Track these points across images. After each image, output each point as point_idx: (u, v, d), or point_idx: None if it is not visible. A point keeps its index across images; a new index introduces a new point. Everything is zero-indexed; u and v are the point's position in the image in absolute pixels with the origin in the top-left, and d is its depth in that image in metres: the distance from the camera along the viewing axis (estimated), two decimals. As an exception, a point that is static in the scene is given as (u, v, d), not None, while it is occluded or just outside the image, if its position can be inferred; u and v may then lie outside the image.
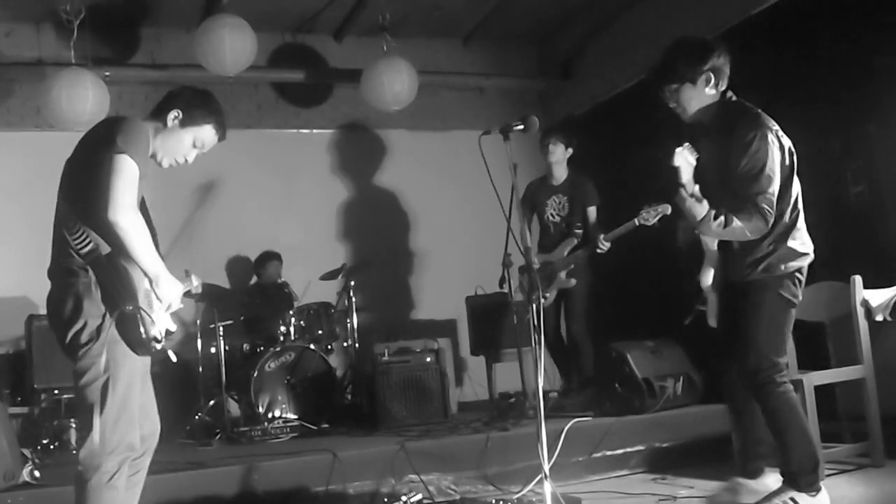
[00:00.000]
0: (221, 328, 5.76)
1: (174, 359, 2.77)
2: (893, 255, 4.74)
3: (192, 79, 6.15)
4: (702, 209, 3.22)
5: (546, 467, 3.17)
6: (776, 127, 3.33)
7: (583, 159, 5.94)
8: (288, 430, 5.30)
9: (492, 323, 6.22)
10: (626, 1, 6.85)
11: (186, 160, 3.03)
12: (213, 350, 5.84)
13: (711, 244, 3.43)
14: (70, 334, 2.69)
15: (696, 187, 3.24)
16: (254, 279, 6.88)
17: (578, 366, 5.69)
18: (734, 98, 3.43)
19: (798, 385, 3.98)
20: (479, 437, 4.54)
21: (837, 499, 3.44)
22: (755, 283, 3.34)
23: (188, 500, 3.87)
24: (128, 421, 2.70)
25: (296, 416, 5.60)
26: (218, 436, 5.35)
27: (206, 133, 3.01)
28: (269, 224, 7.06)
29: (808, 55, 5.14)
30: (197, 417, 5.70)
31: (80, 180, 2.73)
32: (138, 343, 2.64)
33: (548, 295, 5.56)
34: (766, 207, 3.22)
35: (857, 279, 4.27)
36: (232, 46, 6.12)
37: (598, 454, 4.62)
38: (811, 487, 3.30)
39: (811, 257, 3.39)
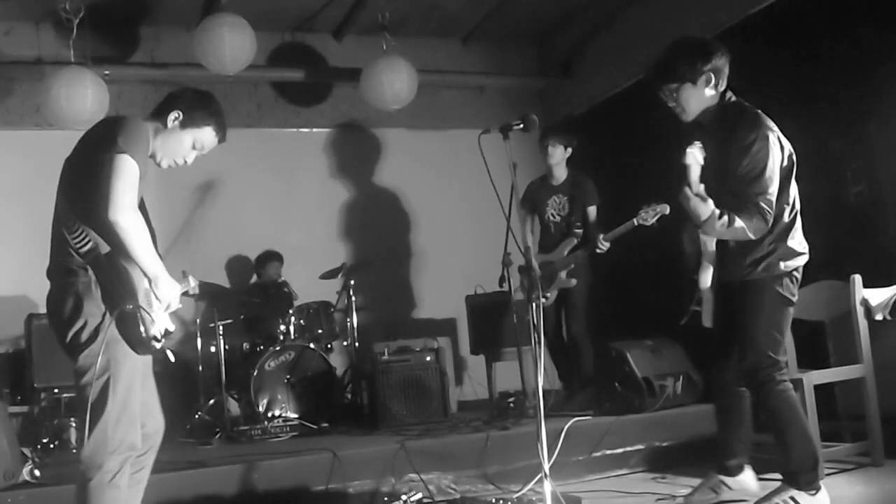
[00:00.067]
0: (221, 327, 5.76)
1: (173, 359, 2.78)
2: (893, 255, 4.74)
3: (191, 78, 6.18)
4: (706, 209, 3.22)
5: (546, 466, 3.18)
6: (776, 128, 3.34)
7: (582, 158, 5.94)
8: (288, 429, 5.30)
9: (492, 322, 6.22)
10: (627, 0, 6.85)
11: (185, 161, 3.03)
12: (212, 349, 5.84)
13: (710, 244, 3.43)
14: (70, 334, 2.69)
15: (702, 187, 3.25)
16: (254, 278, 6.88)
17: (578, 365, 5.69)
18: (734, 99, 3.44)
19: (798, 384, 3.99)
20: (479, 437, 4.55)
21: (837, 498, 3.44)
22: (754, 282, 3.35)
23: (188, 499, 3.87)
24: (129, 420, 2.70)
25: (296, 416, 5.60)
26: (218, 435, 5.35)
27: (206, 135, 3.01)
28: (269, 223, 7.06)
29: (808, 55, 5.14)
30: (197, 416, 5.70)
31: (81, 180, 2.73)
32: (138, 342, 2.64)
33: (549, 295, 5.56)
34: (767, 208, 3.23)
35: (857, 278, 4.27)
36: (231, 45, 6.12)
37: (598, 453, 4.63)
38: (811, 486, 3.31)
39: (807, 257, 3.41)
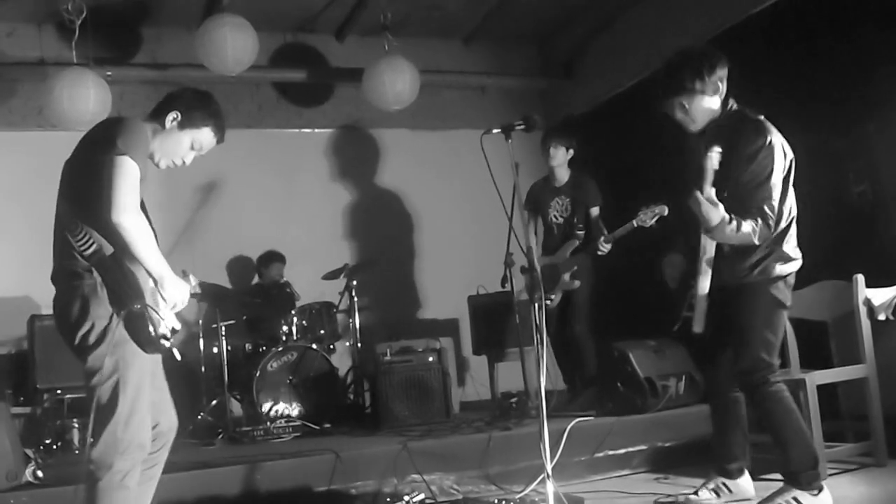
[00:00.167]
0: (224, 328, 5.77)
1: (179, 357, 2.78)
2: (895, 254, 4.74)
3: (193, 78, 6.18)
4: (718, 214, 3.22)
5: (548, 467, 3.18)
6: (779, 134, 3.36)
7: (584, 159, 5.94)
8: (290, 429, 5.31)
9: (494, 322, 6.22)
10: (627, 1, 6.85)
11: (184, 162, 3.03)
12: (215, 350, 5.84)
13: (710, 249, 3.42)
14: (78, 336, 2.69)
15: (713, 191, 3.25)
16: (255, 279, 6.89)
17: (581, 366, 5.69)
18: (736, 107, 3.45)
19: (800, 384, 3.99)
20: (482, 437, 4.54)
21: (840, 498, 3.44)
22: (750, 285, 3.37)
23: (191, 500, 3.87)
24: (139, 420, 2.71)
25: (298, 416, 5.60)
26: (220, 436, 5.35)
27: (205, 135, 3.01)
28: (271, 224, 7.06)
29: (808, 55, 5.14)
30: (199, 417, 5.71)
31: (82, 182, 2.73)
32: (147, 341, 2.65)
33: (553, 297, 5.56)
34: (771, 213, 3.26)
35: (860, 278, 4.27)
36: (233, 46, 6.12)
37: (601, 454, 4.62)
38: (812, 485, 3.32)
39: (800, 263, 3.44)
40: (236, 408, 5.97)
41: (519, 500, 3.92)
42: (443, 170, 7.58)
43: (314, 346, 5.88)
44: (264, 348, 5.91)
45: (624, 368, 5.05)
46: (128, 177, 2.63)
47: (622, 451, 4.68)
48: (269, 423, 5.37)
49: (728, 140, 3.31)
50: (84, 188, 2.70)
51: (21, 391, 5.59)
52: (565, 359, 5.81)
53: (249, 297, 6.46)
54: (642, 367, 5.01)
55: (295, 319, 6.03)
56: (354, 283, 6.27)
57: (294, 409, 5.67)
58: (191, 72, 6.50)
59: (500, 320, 6.07)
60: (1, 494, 3.73)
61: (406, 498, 3.96)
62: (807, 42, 5.17)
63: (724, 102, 3.44)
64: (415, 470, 4.23)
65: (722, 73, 3.38)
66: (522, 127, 3.48)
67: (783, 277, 3.38)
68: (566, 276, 5.59)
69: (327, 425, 5.55)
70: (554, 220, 5.83)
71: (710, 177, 3.26)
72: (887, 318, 4.34)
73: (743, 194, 3.28)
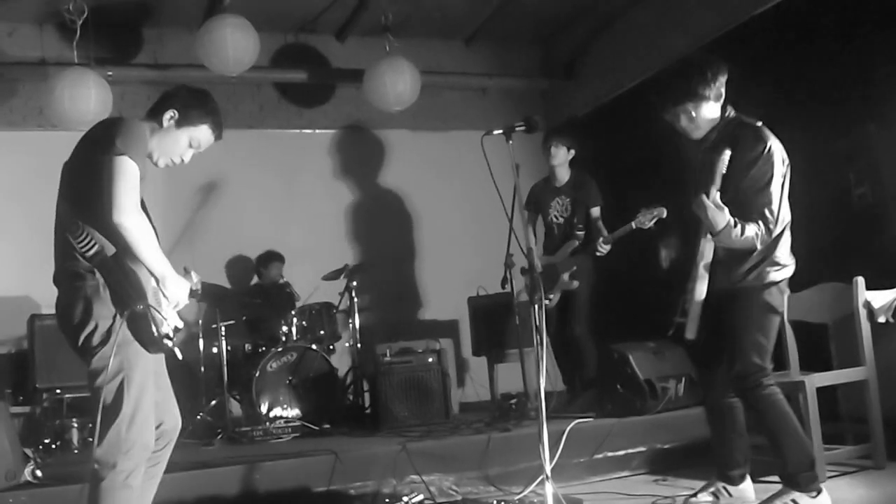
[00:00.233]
0: (223, 328, 5.77)
1: (180, 356, 2.79)
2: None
3: (194, 79, 6.16)
4: (723, 218, 3.24)
5: (548, 468, 3.18)
6: (776, 140, 3.37)
7: (585, 160, 5.94)
8: (290, 430, 5.30)
9: (494, 323, 6.22)
10: (629, 1, 6.85)
11: (182, 160, 3.03)
12: (214, 350, 5.84)
13: (708, 254, 3.42)
14: (82, 337, 2.69)
15: (718, 195, 3.26)
16: (255, 279, 6.89)
17: (581, 367, 5.69)
18: (733, 114, 3.47)
19: (800, 387, 3.99)
20: (481, 438, 4.54)
21: (839, 500, 3.44)
22: (744, 290, 3.38)
23: (190, 500, 3.87)
24: (143, 420, 2.71)
25: (297, 417, 5.60)
26: (220, 436, 5.35)
27: (203, 133, 3.01)
28: (271, 224, 7.07)
29: (809, 56, 5.14)
30: (199, 417, 5.70)
31: (82, 183, 2.73)
32: (151, 341, 2.66)
33: (552, 297, 5.56)
34: (771, 218, 3.28)
35: (860, 280, 4.26)
36: (234, 46, 6.13)
37: (600, 455, 4.61)
38: (811, 487, 3.32)
39: (793, 269, 3.45)
40: (236, 408, 5.98)
41: (518, 501, 3.92)
42: (443, 171, 7.58)
43: (314, 346, 5.88)
44: (264, 349, 5.92)
45: (623, 370, 5.04)
46: (127, 177, 2.63)
47: (621, 452, 4.67)
48: (268, 424, 5.36)
49: (728, 146, 3.32)
50: (84, 189, 2.70)
51: (21, 391, 5.60)
52: (565, 360, 5.81)
53: (249, 298, 6.46)
54: (642, 368, 5.01)
55: (295, 320, 6.03)
56: (354, 283, 6.27)
57: (293, 410, 5.67)
58: (192, 72, 6.50)
59: (500, 321, 6.07)
60: (0, 494, 3.72)
61: (405, 499, 3.96)
62: (807, 43, 5.17)
63: (723, 109, 3.46)
64: (414, 471, 4.23)
65: (724, 78, 3.40)
66: (523, 128, 3.48)
67: (776, 283, 3.39)
68: (565, 276, 5.59)
69: (327, 426, 5.55)
70: (554, 219, 5.83)
71: (718, 180, 3.28)
72: (887, 321, 4.33)
73: (743, 200, 3.30)
